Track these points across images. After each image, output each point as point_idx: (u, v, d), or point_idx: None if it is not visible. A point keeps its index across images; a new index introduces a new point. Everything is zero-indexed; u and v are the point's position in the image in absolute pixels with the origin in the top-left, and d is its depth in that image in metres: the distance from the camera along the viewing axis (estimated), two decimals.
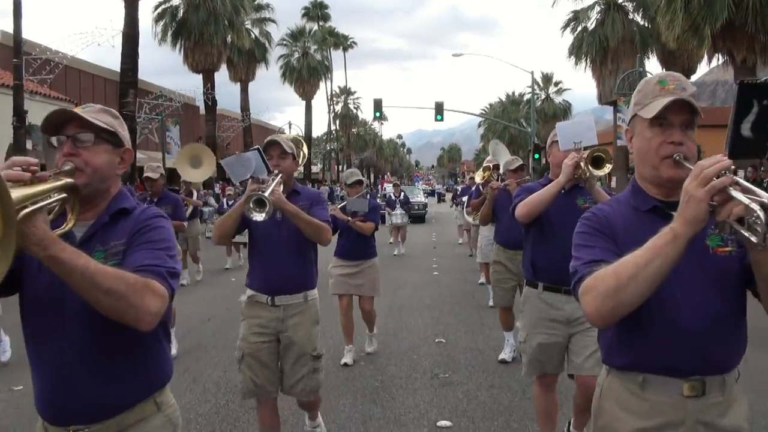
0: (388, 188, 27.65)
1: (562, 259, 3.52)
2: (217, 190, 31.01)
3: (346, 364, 7.10)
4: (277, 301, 4.21)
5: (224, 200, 17.34)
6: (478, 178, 9.46)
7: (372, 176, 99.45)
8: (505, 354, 7.26)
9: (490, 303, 9.68)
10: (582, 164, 4.04)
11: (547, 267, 4.26)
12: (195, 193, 13.73)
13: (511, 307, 7.11)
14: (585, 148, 4.21)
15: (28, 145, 18.50)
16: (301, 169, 53.89)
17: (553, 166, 4.38)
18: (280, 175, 4.01)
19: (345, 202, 7.40)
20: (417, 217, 29.32)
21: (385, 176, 75.80)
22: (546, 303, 4.28)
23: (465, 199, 13.57)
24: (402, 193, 19.79)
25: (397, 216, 18.69)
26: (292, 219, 3.94)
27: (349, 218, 7.10)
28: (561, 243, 3.69)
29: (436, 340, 8.26)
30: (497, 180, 7.95)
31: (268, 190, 3.71)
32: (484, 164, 9.18)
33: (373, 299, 7.49)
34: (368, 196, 7.80)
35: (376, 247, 7.68)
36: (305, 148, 6.72)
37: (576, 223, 3.47)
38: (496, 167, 8.67)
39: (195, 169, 12.90)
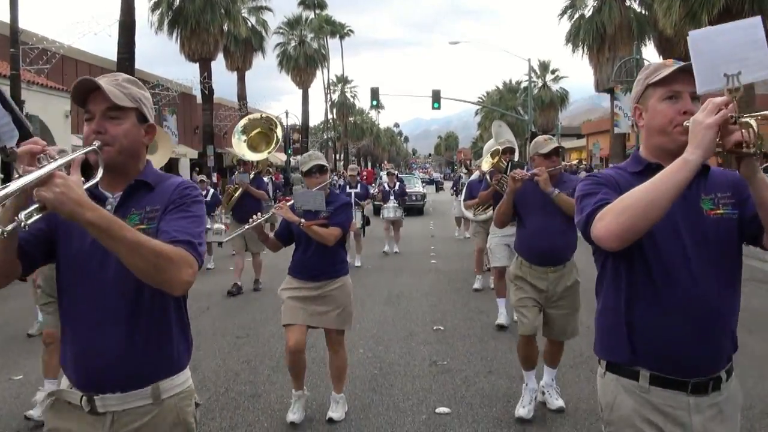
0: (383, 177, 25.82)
1: (684, 322, 2.20)
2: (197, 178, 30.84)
3: (293, 424, 5.16)
4: (99, 404, 2.21)
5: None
6: (486, 165, 7.95)
7: (369, 164, 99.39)
8: (524, 409, 5.27)
9: (499, 321, 8.23)
10: (752, 122, 1.94)
11: (656, 335, 2.22)
12: None
13: (534, 335, 5.35)
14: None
15: None
16: (298, 158, 53.79)
17: (652, 133, 2.30)
18: (87, 149, 2.15)
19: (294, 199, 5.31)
20: (415, 209, 28.43)
21: (383, 163, 75.08)
22: (658, 410, 2.24)
23: (464, 190, 10.83)
24: (397, 183, 17.17)
25: (390, 209, 16.25)
26: (100, 239, 1.94)
27: (302, 220, 5.02)
28: (679, 287, 2.19)
29: (435, 328, 8.30)
30: (507, 167, 6.32)
31: (32, 176, 1.81)
32: (493, 147, 7.70)
33: (343, 335, 5.33)
34: (338, 189, 6.50)
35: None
36: (279, 132, 6.33)
37: (703, 245, 2.24)
38: (509, 151, 7.39)
39: (149, 155, 12.07)
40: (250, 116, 6.99)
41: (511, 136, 8.53)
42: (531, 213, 5.24)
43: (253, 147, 8.69)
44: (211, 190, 13.81)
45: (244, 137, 8.48)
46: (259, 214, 5.21)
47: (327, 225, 5.08)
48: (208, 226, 12.62)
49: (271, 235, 5.37)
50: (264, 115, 8.14)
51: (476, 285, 10.77)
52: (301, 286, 5.17)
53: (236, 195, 10.44)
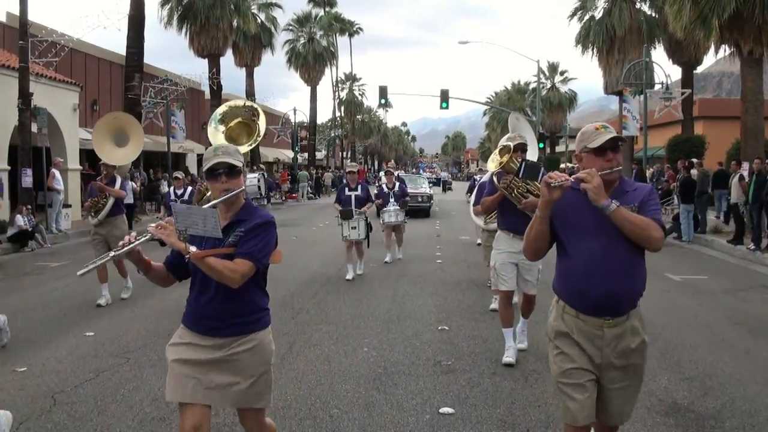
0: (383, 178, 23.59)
1: None
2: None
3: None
4: None
5: (172, 189, 12.59)
6: (492, 164, 6.84)
7: (376, 163, 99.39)
8: None
9: (507, 359, 6.68)
10: None
11: None
12: (119, 180, 10.02)
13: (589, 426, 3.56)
14: None
15: (33, 128, 18.53)
16: (306, 155, 53.40)
17: None
18: None
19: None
20: (421, 211, 27.06)
21: (385, 162, 74.48)
22: None
23: (474, 192, 9.48)
24: (397, 184, 14.75)
25: (390, 213, 14.07)
26: None
27: (191, 248, 3.27)
28: None
29: (439, 328, 8.28)
30: (519, 167, 5.25)
31: None
32: (503, 143, 6.54)
33: (263, 413, 3.72)
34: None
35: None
36: (262, 123, 5.88)
37: None
38: (521, 148, 6.38)
39: (119, 147, 10.25)
40: (230, 103, 6.25)
41: (529, 132, 7.64)
42: (578, 237, 3.47)
43: (232, 139, 7.59)
44: (189, 188, 12.21)
45: (222, 127, 7.41)
46: (133, 235, 3.37)
47: (230, 256, 3.34)
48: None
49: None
50: (246, 103, 7.35)
51: (494, 305, 8.99)
52: (196, 342, 3.48)
53: (209, 194, 8.80)
